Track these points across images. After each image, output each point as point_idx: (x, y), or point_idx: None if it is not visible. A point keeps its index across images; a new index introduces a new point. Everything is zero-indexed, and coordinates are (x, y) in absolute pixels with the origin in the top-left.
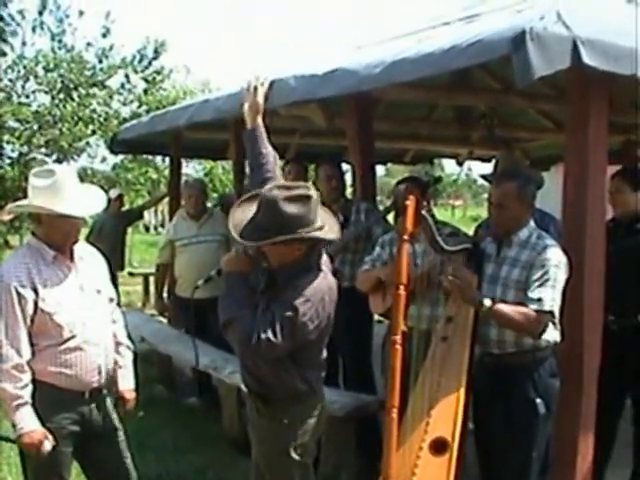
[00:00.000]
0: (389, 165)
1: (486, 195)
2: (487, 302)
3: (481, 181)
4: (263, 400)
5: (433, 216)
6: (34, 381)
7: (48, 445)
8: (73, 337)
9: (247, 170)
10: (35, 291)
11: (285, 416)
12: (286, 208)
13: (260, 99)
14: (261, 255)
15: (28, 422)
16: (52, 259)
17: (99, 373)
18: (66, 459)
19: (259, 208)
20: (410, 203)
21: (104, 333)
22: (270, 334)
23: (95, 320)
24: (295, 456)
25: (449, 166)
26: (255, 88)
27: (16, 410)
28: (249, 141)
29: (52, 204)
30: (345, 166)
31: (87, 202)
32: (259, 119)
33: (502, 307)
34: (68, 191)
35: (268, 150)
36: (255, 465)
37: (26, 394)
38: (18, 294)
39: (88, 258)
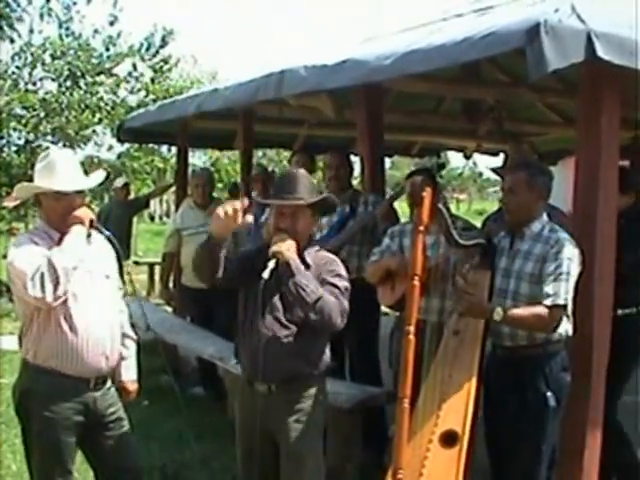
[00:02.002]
0: (395, 158)
1: (491, 189)
2: (497, 316)
3: (486, 175)
4: (302, 385)
5: (448, 209)
6: (37, 369)
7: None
8: (80, 320)
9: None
10: None
11: (321, 393)
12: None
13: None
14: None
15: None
16: (59, 241)
17: (105, 359)
18: (70, 449)
19: (282, 183)
20: (426, 194)
21: (111, 319)
22: (346, 304)
23: (103, 305)
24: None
25: (454, 160)
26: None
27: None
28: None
29: (43, 182)
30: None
31: (80, 180)
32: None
33: (513, 315)
34: (61, 170)
35: None
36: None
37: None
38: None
39: (96, 244)
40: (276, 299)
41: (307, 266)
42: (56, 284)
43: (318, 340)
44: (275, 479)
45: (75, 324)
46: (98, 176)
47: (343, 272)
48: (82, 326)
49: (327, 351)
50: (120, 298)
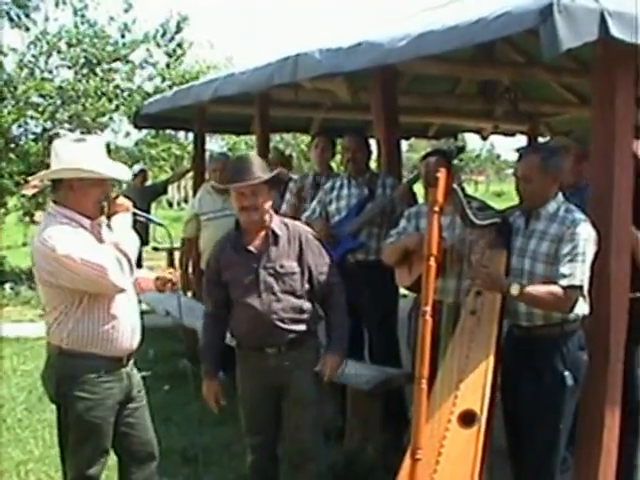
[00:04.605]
0: (412, 140)
1: (509, 171)
2: (514, 290)
3: (504, 156)
4: (308, 339)
5: (463, 189)
6: (74, 354)
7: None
8: (119, 304)
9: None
10: None
11: (319, 344)
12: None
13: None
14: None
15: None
16: (90, 227)
17: (137, 336)
18: (110, 428)
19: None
20: (441, 175)
21: (134, 297)
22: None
23: (130, 286)
24: None
25: (472, 141)
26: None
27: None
28: None
29: (95, 167)
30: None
31: (120, 169)
32: None
33: (531, 291)
34: (101, 156)
35: None
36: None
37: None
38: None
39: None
40: (268, 276)
41: (276, 237)
42: (130, 269)
43: (310, 301)
44: (276, 428)
45: (116, 309)
46: (127, 170)
47: (322, 246)
48: (121, 310)
49: (316, 305)
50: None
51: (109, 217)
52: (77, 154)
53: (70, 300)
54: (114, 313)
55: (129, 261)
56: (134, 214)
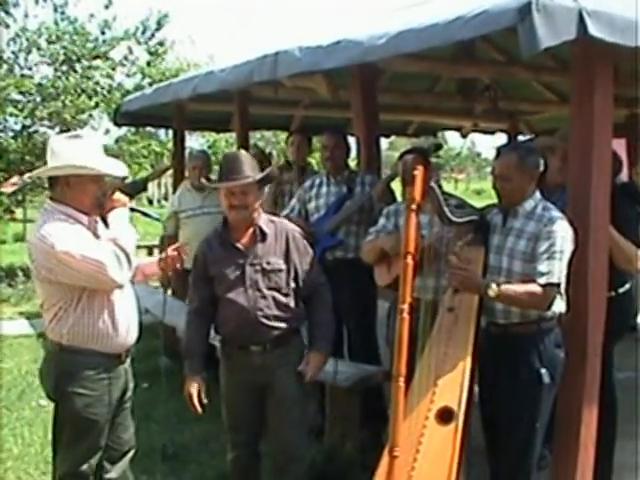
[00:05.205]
0: (392, 138)
1: (489, 169)
2: (492, 292)
3: (484, 154)
4: (292, 338)
5: (441, 187)
6: (74, 351)
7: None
8: (118, 301)
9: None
10: None
11: (302, 342)
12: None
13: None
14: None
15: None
16: (88, 224)
17: (134, 333)
18: (107, 426)
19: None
20: (418, 173)
21: (132, 293)
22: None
23: (127, 283)
24: None
25: (452, 139)
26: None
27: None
28: None
29: (93, 164)
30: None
31: (116, 165)
32: None
33: (508, 291)
34: (99, 154)
35: None
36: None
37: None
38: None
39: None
40: (254, 273)
41: (264, 234)
42: (129, 265)
43: (295, 299)
44: (259, 426)
45: (115, 305)
46: (123, 165)
47: (307, 243)
48: (120, 306)
49: (301, 304)
50: None
51: (104, 214)
52: (73, 151)
53: (69, 296)
54: (113, 309)
55: (127, 256)
56: (131, 209)
